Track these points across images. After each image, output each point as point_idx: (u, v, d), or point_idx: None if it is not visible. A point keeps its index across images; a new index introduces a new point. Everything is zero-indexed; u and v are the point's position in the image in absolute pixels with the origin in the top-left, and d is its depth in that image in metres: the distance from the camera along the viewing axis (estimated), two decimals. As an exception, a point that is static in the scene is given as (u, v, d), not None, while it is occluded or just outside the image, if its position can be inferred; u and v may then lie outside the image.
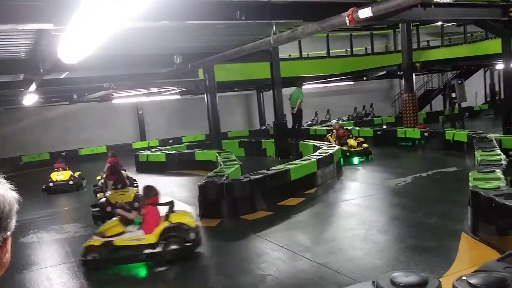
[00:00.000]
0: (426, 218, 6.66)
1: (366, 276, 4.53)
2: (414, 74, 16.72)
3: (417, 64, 17.31)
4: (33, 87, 9.44)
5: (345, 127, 14.03)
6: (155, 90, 15.96)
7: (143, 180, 12.69)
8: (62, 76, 10.76)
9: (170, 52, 7.93)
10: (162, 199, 6.38)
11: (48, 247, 6.89)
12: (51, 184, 11.28)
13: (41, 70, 7.10)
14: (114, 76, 11.08)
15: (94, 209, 7.87)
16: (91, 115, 20.74)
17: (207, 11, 4.54)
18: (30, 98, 12.39)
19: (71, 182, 11.49)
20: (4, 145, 18.26)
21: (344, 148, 12.33)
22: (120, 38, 6.15)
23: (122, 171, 9.53)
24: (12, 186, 1.02)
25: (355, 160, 12.12)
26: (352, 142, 12.65)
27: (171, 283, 5.33)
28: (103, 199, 7.91)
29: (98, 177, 10.30)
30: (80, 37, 3.84)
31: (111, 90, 11.47)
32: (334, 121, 22.40)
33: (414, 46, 18.11)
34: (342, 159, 11.62)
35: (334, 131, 13.50)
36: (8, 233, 1.00)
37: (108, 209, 7.51)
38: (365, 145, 12.58)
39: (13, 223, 1.02)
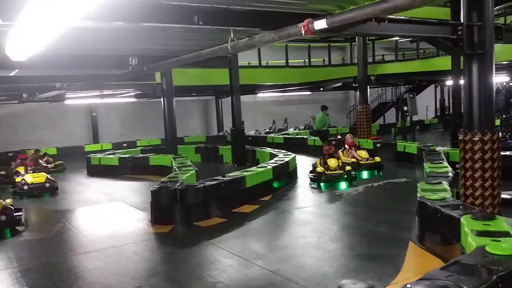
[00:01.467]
0: (377, 227, 6.81)
1: (316, 283, 4.58)
2: (368, 87, 17.23)
3: (372, 77, 17.82)
4: (-21, 84, 9.01)
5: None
6: (110, 92, 15.58)
7: (94, 184, 12.38)
8: (11, 74, 10.30)
9: (126, 54, 7.77)
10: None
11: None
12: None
13: (-13, 67, 6.79)
14: (67, 76, 10.72)
15: None
16: (41, 116, 20.00)
17: (164, 14, 4.48)
18: (-25, 96, 11.80)
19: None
20: None
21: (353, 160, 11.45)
22: (73, 37, 5.96)
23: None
24: None
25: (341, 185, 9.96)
26: (363, 153, 11.68)
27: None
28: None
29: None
30: (29, 34, 3.70)
31: (64, 90, 11.09)
32: (291, 129, 22.63)
33: (370, 59, 18.67)
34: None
35: (346, 146, 12.01)
36: None
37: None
38: (377, 158, 11.65)
39: None
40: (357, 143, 12.26)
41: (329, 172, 10.12)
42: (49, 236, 7.36)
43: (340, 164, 10.36)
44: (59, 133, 20.24)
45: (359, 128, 16.32)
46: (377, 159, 11.63)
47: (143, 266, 5.74)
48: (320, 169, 10.21)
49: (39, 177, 10.81)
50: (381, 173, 11.33)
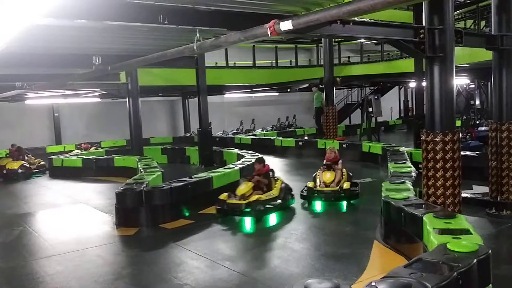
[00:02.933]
0: (342, 227, 6.92)
1: (282, 284, 4.59)
2: (334, 88, 17.45)
3: (338, 79, 18.09)
4: None
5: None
6: (74, 92, 15.18)
7: (56, 186, 12.04)
8: (-32, 72, 9.90)
9: (89, 53, 7.57)
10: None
11: None
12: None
13: None
14: (28, 75, 10.36)
15: None
16: (0, 115, 19.28)
17: (129, 13, 4.38)
18: None
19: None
20: None
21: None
22: (35, 35, 5.78)
23: None
24: None
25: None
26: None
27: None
28: None
29: None
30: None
31: (24, 90, 10.71)
32: (258, 130, 22.68)
33: (336, 61, 18.92)
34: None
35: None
36: None
37: None
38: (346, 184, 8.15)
39: None
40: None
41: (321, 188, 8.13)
42: (7, 241, 7.09)
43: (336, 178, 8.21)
44: (19, 134, 19.51)
45: (326, 129, 16.50)
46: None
47: (107, 270, 5.62)
48: (311, 183, 8.29)
49: None
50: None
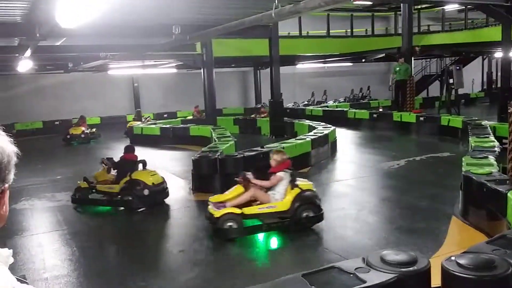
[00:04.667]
0: (418, 201, 6.72)
1: (355, 254, 4.55)
2: (413, 58, 16.65)
3: (417, 48, 17.21)
4: (28, 53, 9.28)
5: None
6: (152, 62, 15.78)
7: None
8: (58, 43, 10.58)
9: (169, 23, 7.78)
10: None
11: (40, 214, 6.90)
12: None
13: (37, 35, 6.95)
14: (111, 46, 10.90)
15: None
16: (85, 86, 20.51)
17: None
18: (24, 65, 12.21)
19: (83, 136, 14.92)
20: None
21: None
22: (119, 5, 6.03)
23: None
24: (11, 139, 1.02)
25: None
26: None
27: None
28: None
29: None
30: (83, 0, 3.77)
31: (107, 60, 11.31)
32: (330, 102, 22.40)
33: (415, 30, 17.99)
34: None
35: None
36: (6, 185, 1.01)
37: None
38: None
39: (11, 176, 1.02)
40: None
41: None
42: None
43: None
44: (102, 103, 20.75)
45: (403, 102, 15.89)
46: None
47: (185, 232, 5.92)
48: None
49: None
50: None
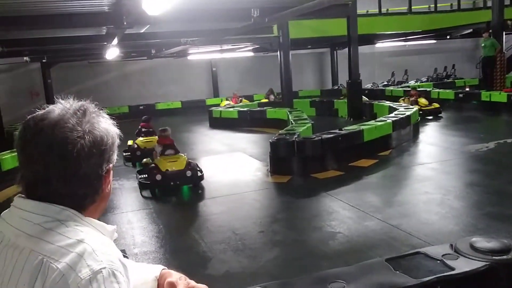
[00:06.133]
0: (509, 186, 6.29)
1: (441, 240, 4.40)
2: (504, 33, 15.39)
3: (509, 22, 15.86)
4: (115, 41, 9.82)
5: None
6: (230, 46, 16.03)
7: (216, 136, 13.09)
8: (142, 31, 11.08)
9: (248, 6, 7.85)
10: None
11: (128, 193, 7.35)
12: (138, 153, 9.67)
13: (125, 23, 7.33)
14: (191, 32, 11.22)
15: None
16: (167, 71, 21.33)
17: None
18: (112, 52, 12.95)
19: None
20: (87, 98, 19.32)
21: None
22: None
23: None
24: (114, 121, 1.09)
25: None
26: (422, 101, 13.33)
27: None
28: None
29: (130, 142, 9.98)
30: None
31: (188, 46, 11.66)
32: (412, 82, 21.45)
33: (507, 1, 16.59)
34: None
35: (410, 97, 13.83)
36: (110, 165, 1.08)
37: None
38: (435, 104, 13.36)
39: (114, 157, 1.09)
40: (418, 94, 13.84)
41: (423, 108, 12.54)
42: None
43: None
44: (183, 88, 21.51)
45: (493, 79, 14.80)
46: (435, 105, 13.34)
47: (264, 213, 6.03)
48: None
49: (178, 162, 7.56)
50: (441, 115, 13.10)
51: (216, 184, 7.51)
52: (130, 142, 10.00)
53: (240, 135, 12.87)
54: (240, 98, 18.46)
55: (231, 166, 8.99)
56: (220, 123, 14.56)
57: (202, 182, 7.26)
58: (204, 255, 4.68)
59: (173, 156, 7.36)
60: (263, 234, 5.15)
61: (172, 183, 6.98)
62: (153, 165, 7.29)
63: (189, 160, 7.46)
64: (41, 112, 1.04)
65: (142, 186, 7.18)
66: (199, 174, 7.28)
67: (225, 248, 4.76)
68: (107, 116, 1.09)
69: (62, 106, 1.04)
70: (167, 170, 7.01)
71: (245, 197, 6.69)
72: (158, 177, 6.92)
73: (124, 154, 9.71)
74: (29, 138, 1.00)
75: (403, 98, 14.52)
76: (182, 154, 7.51)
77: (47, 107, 1.05)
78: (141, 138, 9.91)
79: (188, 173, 7.08)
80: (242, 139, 12.21)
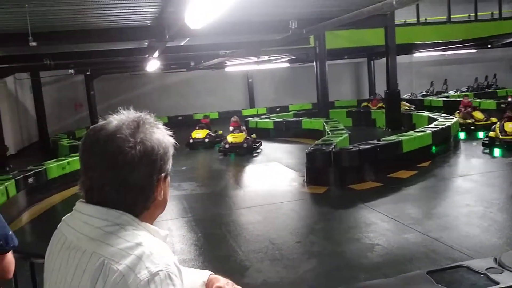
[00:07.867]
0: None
1: (483, 254, 4.29)
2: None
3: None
4: (156, 53, 10.11)
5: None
6: (266, 58, 16.15)
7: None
8: (182, 43, 11.35)
9: (286, 18, 7.93)
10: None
11: (168, 202, 7.47)
12: (191, 141, 12.75)
13: (167, 36, 7.56)
14: (229, 44, 11.41)
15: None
16: (204, 83, 21.70)
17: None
18: (152, 65, 13.30)
19: (206, 140, 12.91)
20: (128, 108, 19.87)
21: (468, 121, 11.58)
22: (240, 3, 6.24)
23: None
24: (171, 132, 1.14)
25: (480, 134, 10.85)
26: (478, 114, 11.78)
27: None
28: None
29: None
30: (211, 1, 4.01)
31: (226, 58, 11.84)
32: (451, 92, 20.97)
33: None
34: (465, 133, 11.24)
35: (461, 107, 12.33)
36: (163, 174, 1.10)
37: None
38: (493, 119, 11.34)
39: (168, 166, 1.12)
40: (473, 105, 12.42)
41: (504, 137, 9.06)
42: (216, 190, 8.13)
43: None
44: (220, 99, 21.81)
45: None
46: (493, 119, 11.25)
47: (301, 224, 6.04)
48: (493, 133, 9.37)
49: (238, 137, 11.34)
50: None
51: (252, 194, 7.58)
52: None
53: (276, 145, 12.91)
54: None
55: (267, 176, 9.04)
56: (256, 133, 14.55)
57: (237, 192, 7.32)
58: (241, 263, 4.72)
59: (236, 134, 11.31)
60: (300, 245, 5.15)
61: (235, 151, 11.03)
62: (225, 139, 11.44)
63: (247, 137, 11.34)
64: (101, 122, 1.10)
65: (219, 151, 11.29)
66: (254, 146, 11.32)
67: (262, 257, 4.80)
68: (162, 127, 1.13)
69: (120, 117, 1.10)
70: (232, 142, 11.07)
71: (282, 207, 6.70)
72: (227, 146, 11.10)
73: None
74: (87, 147, 1.08)
75: (458, 111, 12.42)
76: (242, 132, 11.47)
77: (109, 117, 1.11)
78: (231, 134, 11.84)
79: (245, 145, 10.95)
80: (278, 149, 12.25)
